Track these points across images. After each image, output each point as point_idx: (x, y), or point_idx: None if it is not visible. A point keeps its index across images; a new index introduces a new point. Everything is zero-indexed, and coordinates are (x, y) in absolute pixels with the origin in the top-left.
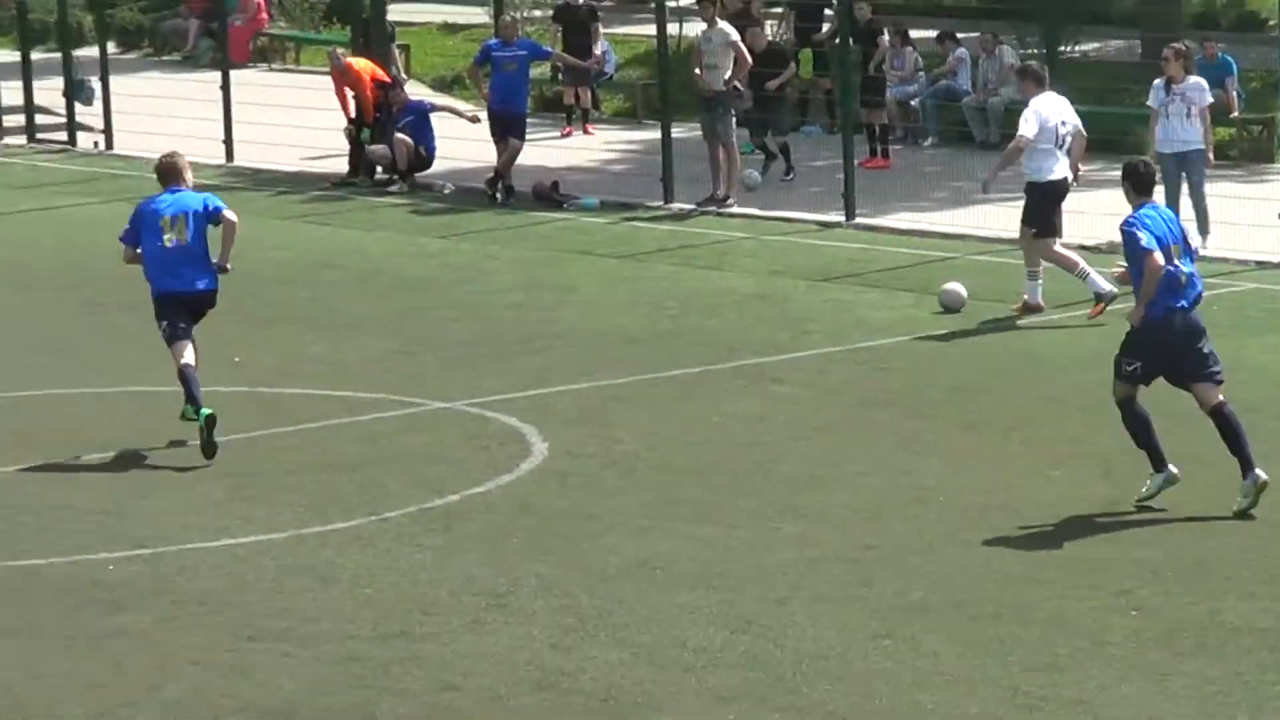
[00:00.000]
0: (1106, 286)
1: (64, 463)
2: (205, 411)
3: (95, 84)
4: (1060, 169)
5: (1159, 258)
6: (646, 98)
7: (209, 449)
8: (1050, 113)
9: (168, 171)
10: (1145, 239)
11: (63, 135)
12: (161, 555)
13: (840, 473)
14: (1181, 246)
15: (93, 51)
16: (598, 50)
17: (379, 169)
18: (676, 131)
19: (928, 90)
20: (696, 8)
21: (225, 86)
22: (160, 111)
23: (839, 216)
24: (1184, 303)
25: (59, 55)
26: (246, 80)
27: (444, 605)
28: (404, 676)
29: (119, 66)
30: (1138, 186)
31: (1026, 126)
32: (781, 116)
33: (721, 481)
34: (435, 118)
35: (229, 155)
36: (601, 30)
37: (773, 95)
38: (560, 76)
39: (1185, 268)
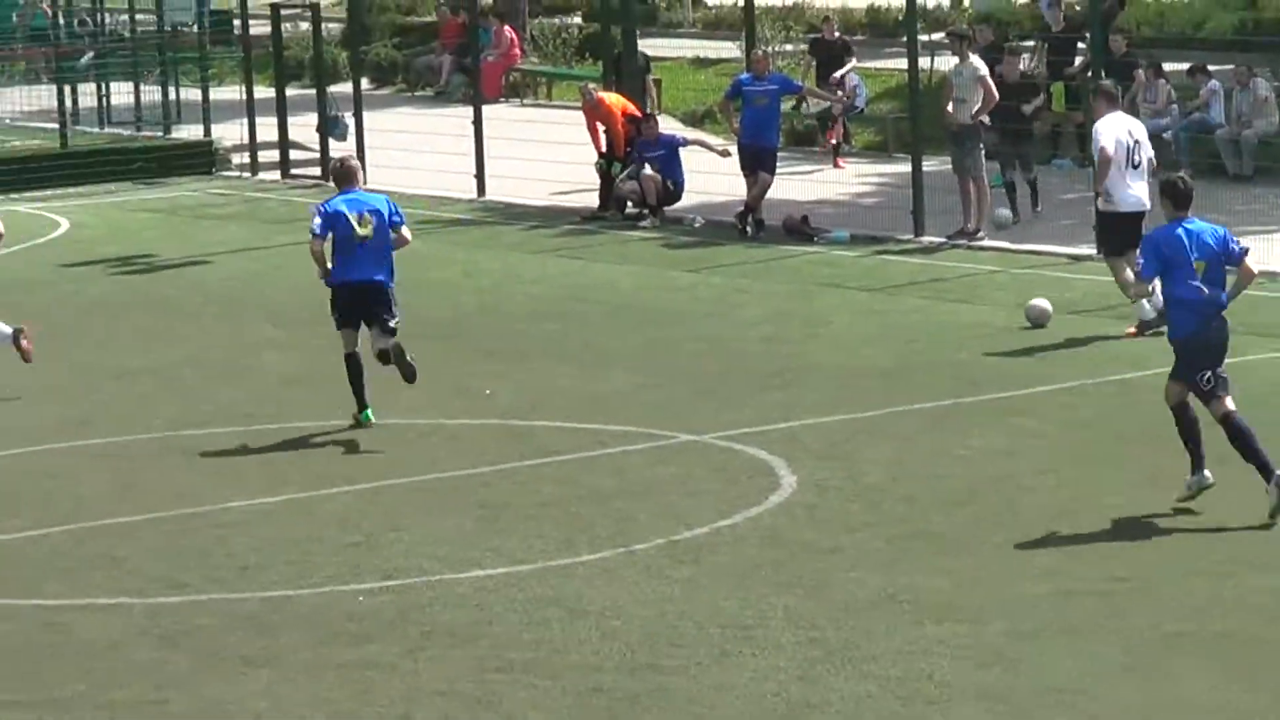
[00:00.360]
0: (1152, 314)
1: (315, 495)
2: (368, 414)
3: (349, 120)
4: (1133, 197)
5: (1144, 287)
6: (897, 131)
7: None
8: (1120, 132)
9: (348, 175)
10: (1141, 265)
11: (316, 170)
12: (410, 586)
13: (1090, 505)
14: (1209, 263)
15: (347, 87)
16: (849, 84)
17: (629, 203)
18: (927, 165)
19: (1181, 123)
20: (947, 42)
21: (477, 122)
22: (412, 147)
23: (1089, 250)
24: (1206, 318)
25: (313, 91)
26: (498, 115)
27: (691, 637)
28: (651, 709)
29: (372, 102)
30: (1176, 202)
31: (1103, 140)
32: (1029, 150)
33: (969, 514)
34: (685, 151)
35: (480, 190)
36: (854, 64)
37: (1022, 129)
38: (804, 107)
39: (1205, 288)
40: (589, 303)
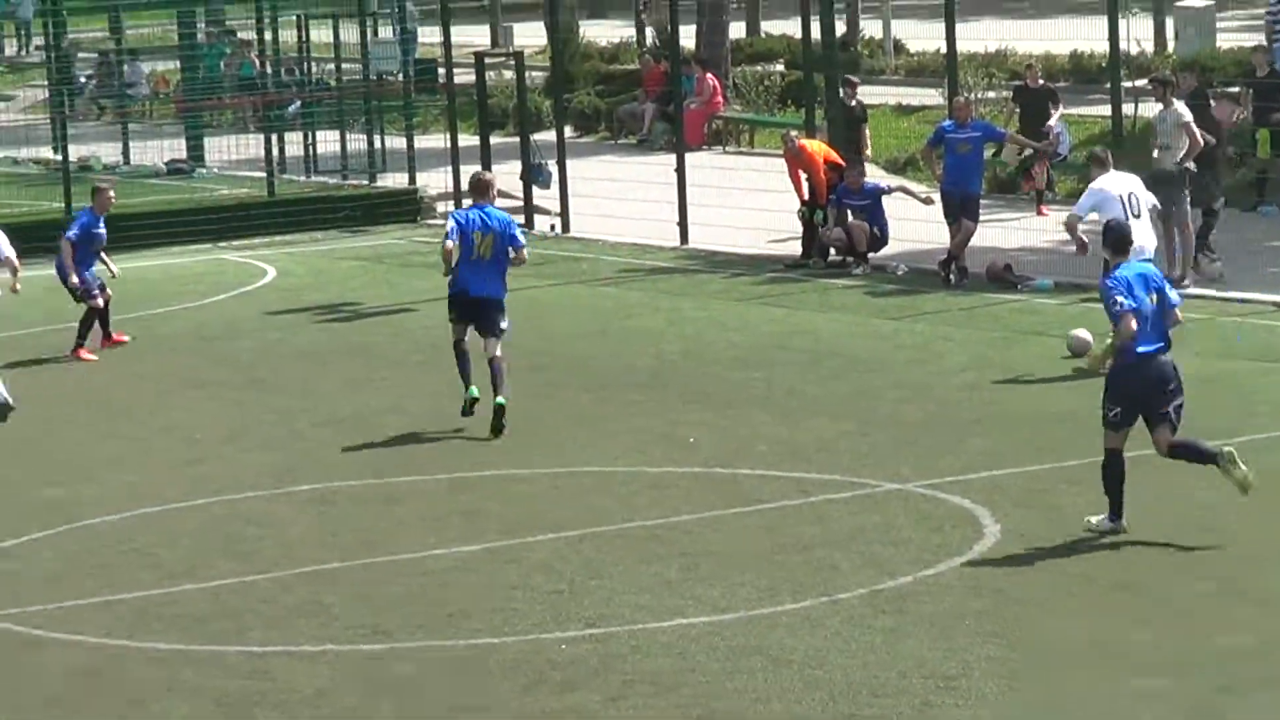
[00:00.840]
0: None
1: (518, 542)
2: (473, 390)
3: (552, 167)
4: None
5: (1133, 324)
6: None
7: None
8: (1114, 187)
9: (482, 188)
10: (1124, 301)
11: (520, 218)
12: (613, 635)
13: None
14: (1158, 298)
15: (550, 135)
16: (1053, 131)
17: (832, 250)
18: None
19: None
20: (1150, 88)
21: (680, 169)
22: (615, 194)
23: None
24: (1148, 348)
25: (517, 139)
26: (701, 163)
27: (893, 687)
28: None
29: (576, 150)
30: (1114, 247)
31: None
32: (1206, 188)
33: (1174, 563)
34: (888, 199)
35: (684, 238)
36: (1058, 111)
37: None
38: (1005, 153)
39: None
40: (792, 350)
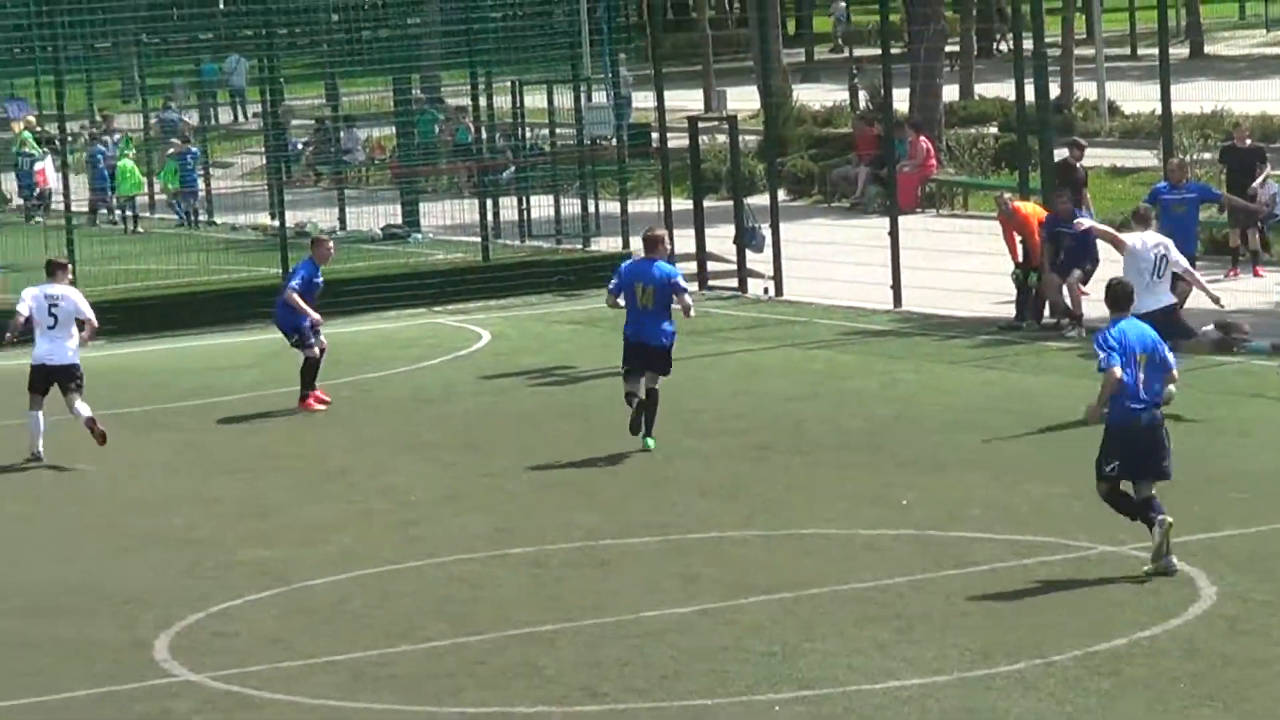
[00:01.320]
0: None
1: (731, 604)
2: (649, 443)
3: (765, 231)
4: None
5: (1117, 372)
6: None
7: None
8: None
9: (652, 243)
10: (1105, 356)
11: (733, 282)
12: (827, 697)
13: None
14: (1150, 357)
15: (764, 199)
16: (1265, 192)
17: (1046, 312)
18: None
19: None
20: None
21: (894, 232)
22: (829, 257)
23: None
24: (1140, 405)
25: (730, 203)
26: (914, 226)
27: None
28: None
29: (789, 213)
30: (1114, 303)
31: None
32: None
33: None
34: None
35: (897, 300)
36: (1268, 171)
37: None
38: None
39: (1141, 375)
40: (1005, 412)
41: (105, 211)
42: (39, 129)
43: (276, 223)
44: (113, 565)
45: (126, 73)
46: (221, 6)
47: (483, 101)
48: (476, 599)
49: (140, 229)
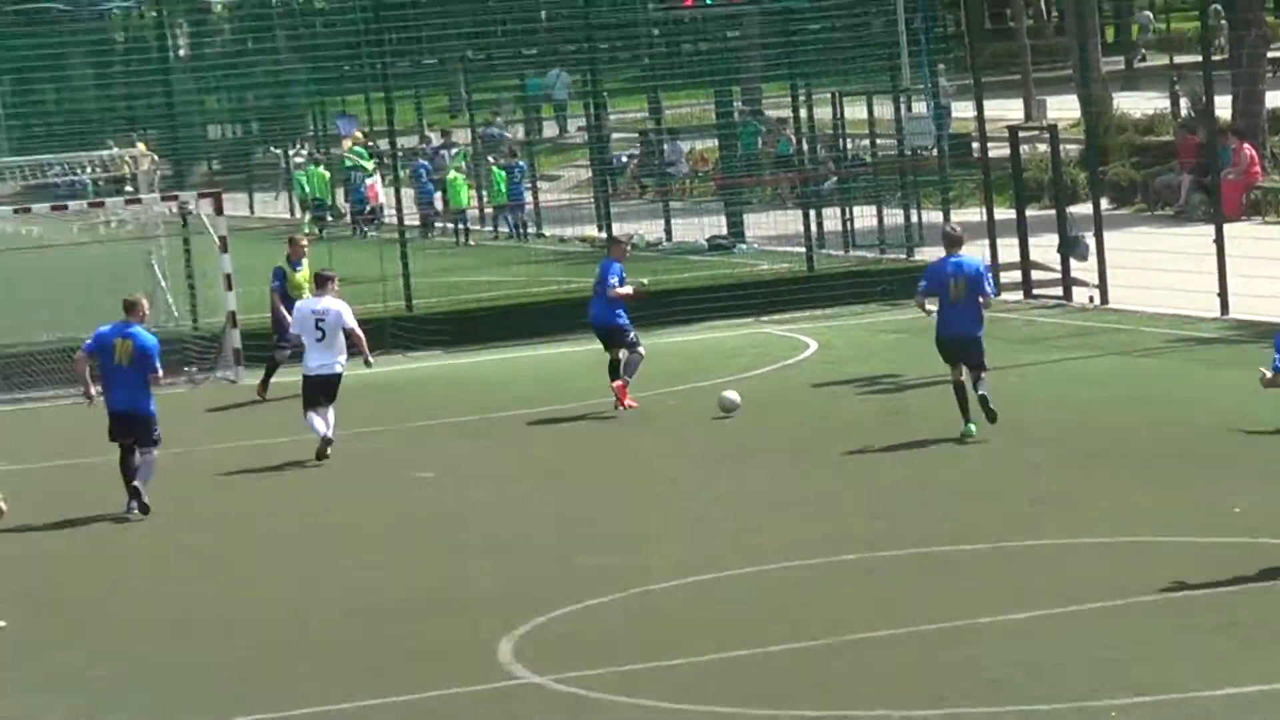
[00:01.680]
0: None
1: (1064, 611)
2: (970, 427)
3: (1089, 240)
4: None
5: None
6: None
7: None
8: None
9: (954, 241)
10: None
11: (1058, 290)
12: (1164, 702)
13: None
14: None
15: (1086, 208)
16: None
17: None
18: None
19: None
20: None
21: (1219, 240)
22: (1153, 265)
23: None
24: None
25: (1053, 212)
26: (1239, 233)
27: None
28: None
29: (1112, 222)
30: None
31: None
32: None
33: None
34: None
35: (1224, 308)
36: None
37: None
38: None
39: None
40: None
41: (437, 225)
42: (369, 144)
43: (603, 234)
44: (454, 570)
45: (453, 88)
46: (544, 22)
47: (803, 113)
48: (811, 604)
49: (471, 242)
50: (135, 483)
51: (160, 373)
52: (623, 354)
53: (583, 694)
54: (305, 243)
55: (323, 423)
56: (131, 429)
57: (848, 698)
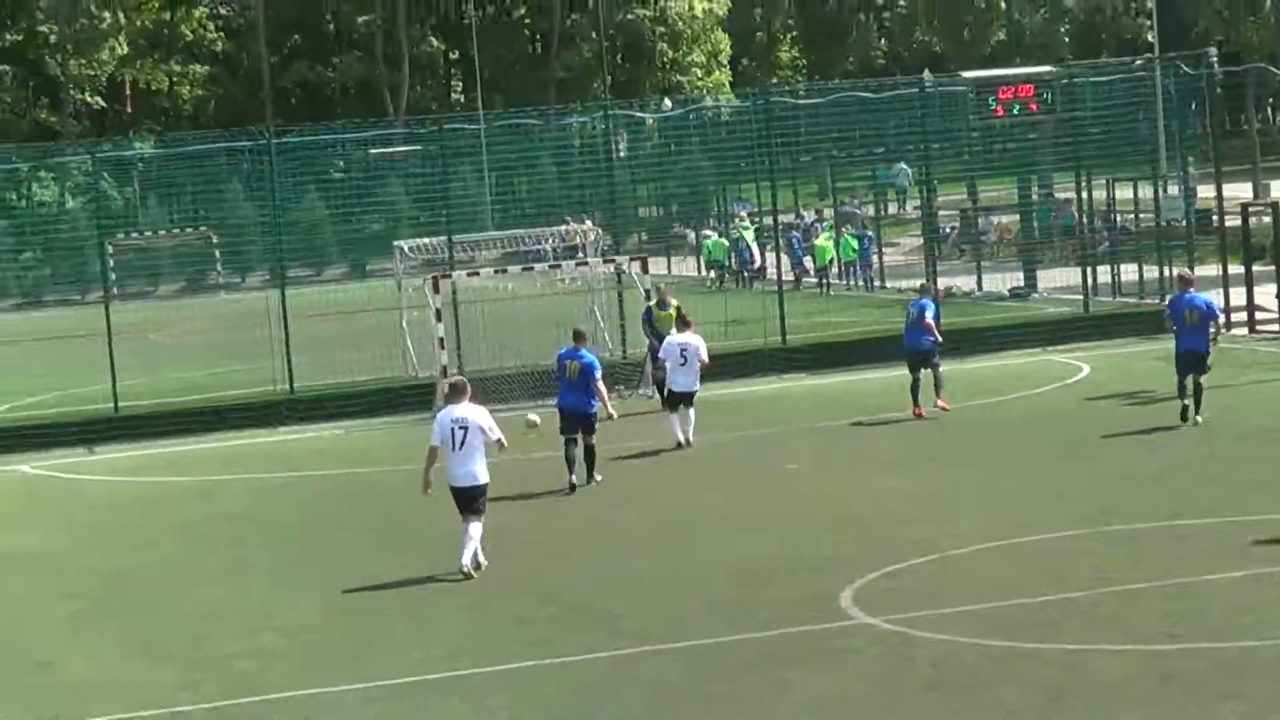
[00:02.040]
0: None
1: (1276, 569)
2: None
3: None
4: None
5: None
6: None
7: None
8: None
9: (1186, 281)
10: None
11: (1276, 327)
12: None
13: None
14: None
15: None
16: None
17: None
18: None
19: None
20: None
21: None
22: None
23: None
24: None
25: (1273, 268)
26: None
27: None
28: None
29: None
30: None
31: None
32: None
33: None
34: None
35: None
36: None
37: None
38: None
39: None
40: None
41: (805, 280)
42: (756, 221)
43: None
44: (807, 539)
45: (821, 178)
46: (891, 128)
47: (1084, 194)
48: (1078, 565)
49: (832, 292)
50: (577, 469)
51: (601, 382)
52: (923, 372)
53: (905, 631)
54: (668, 292)
55: (681, 430)
56: (577, 424)
57: (1102, 635)
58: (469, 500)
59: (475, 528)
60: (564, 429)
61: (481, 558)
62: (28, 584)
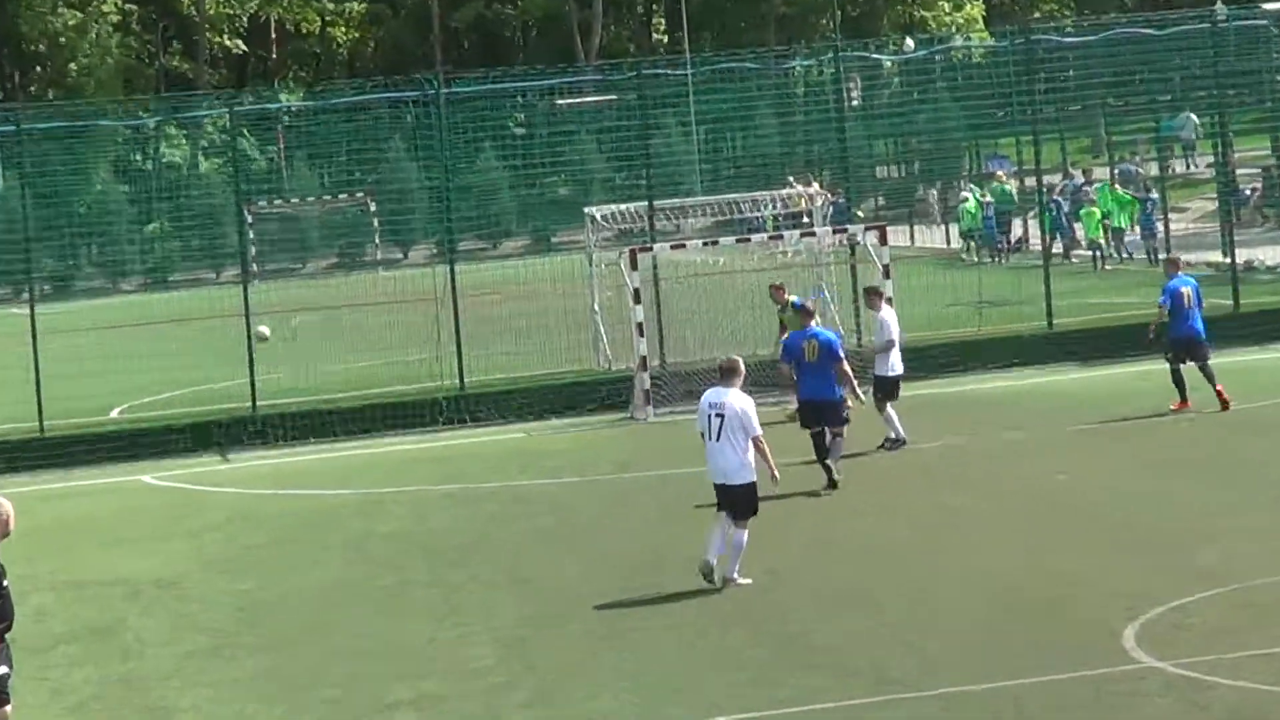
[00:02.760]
0: None
1: None
2: None
3: None
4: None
5: None
6: None
7: None
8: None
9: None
10: None
11: None
12: None
13: None
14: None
15: None
16: None
17: None
18: None
19: None
20: None
21: None
22: None
23: None
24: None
25: None
26: None
27: None
28: None
29: None
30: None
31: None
32: None
33: None
34: None
35: None
36: None
37: None
38: None
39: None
40: None
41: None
42: (1014, 183)
43: (1226, 259)
44: (1085, 559)
45: (1094, 131)
46: (1177, 70)
47: None
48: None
49: (1107, 266)
50: (827, 460)
51: (845, 362)
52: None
53: (1195, 676)
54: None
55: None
56: (820, 416)
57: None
58: (729, 501)
59: (739, 535)
60: (806, 422)
61: (739, 576)
62: (149, 615)
